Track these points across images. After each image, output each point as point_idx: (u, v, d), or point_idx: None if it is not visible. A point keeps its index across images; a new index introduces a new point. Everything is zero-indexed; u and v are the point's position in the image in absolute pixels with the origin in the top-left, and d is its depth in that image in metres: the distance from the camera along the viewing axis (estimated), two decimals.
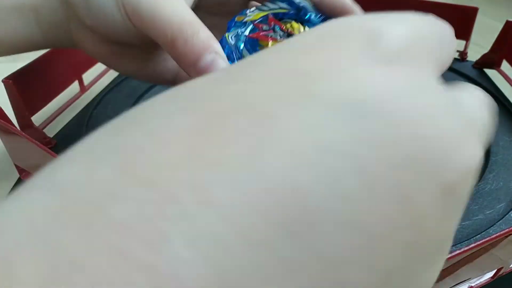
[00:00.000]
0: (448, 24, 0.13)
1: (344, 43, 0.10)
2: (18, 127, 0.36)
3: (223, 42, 0.21)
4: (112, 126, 0.09)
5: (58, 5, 0.26)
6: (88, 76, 0.45)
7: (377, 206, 0.08)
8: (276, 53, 0.10)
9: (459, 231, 0.28)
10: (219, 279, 0.07)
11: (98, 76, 0.47)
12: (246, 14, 0.22)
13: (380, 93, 0.09)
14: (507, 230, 0.21)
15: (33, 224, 0.07)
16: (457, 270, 0.21)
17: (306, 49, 0.10)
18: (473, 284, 0.24)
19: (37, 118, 0.38)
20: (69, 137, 0.38)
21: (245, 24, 0.21)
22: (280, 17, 0.22)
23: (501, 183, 0.33)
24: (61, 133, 0.38)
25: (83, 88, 0.45)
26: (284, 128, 0.08)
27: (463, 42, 0.54)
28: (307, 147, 0.08)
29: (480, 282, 0.24)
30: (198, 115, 0.08)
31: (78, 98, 0.44)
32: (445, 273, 0.21)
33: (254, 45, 0.21)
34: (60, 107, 0.42)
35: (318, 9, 0.22)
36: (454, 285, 0.23)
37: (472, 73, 0.51)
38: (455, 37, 0.13)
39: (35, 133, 0.37)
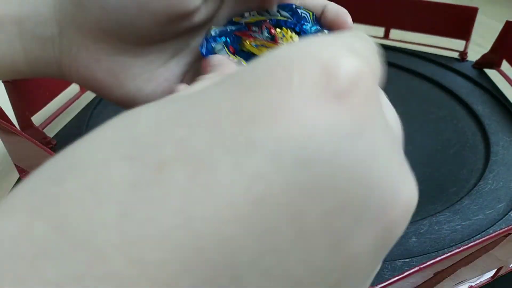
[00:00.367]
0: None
1: (296, 77, 0.09)
2: (18, 127, 0.36)
3: (205, 34, 0.21)
4: (52, 170, 0.09)
5: (51, 15, 0.22)
6: None
7: (308, 256, 0.08)
8: (224, 87, 0.10)
9: (459, 231, 0.28)
10: None
11: None
12: (244, 16, 0.22)
13: (323, 138, 0.09)
14: (505, 229, 0.21)
15: None
16: (456, 270, 0.21)
17: (254, 84, 0.09)
18: (473, 284, 0.24)
19: (37, 118, 0.38)
20: (69, 137, 0.38)
21: (238, 24, 0.22)
22: (280, 25, 0.22)
23: (501, 183, 0.33)
24: (61, 133, 0.38)
25: (83, 88, 0.45)
26: (220, 180, 0.08)
27: (463, 42, 0.54)
28: (241, 200, 0.08)
29: (480, 281, 0.24)
30: (137, 167, 0.08)
31: (78, 98, 0.44)
32: (445, 274, 0.21)
33: (237, 41, 0.21)
34: (60, 107, 0.42)
35: (319, 21, 0.22)
36: (454, 285, 0.23)
37: (472, 73, 0.51)
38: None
39: (35, 133, 0.37)
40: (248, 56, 0.22)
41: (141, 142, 0.09)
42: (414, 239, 0.28)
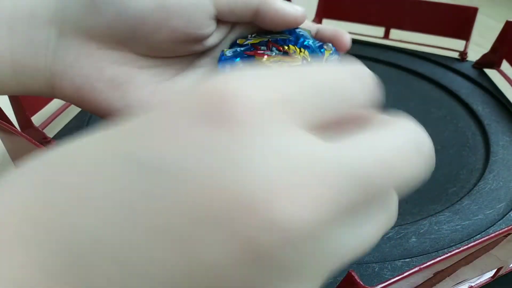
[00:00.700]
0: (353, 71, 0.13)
1: (185, 107, 0.10)
2: (18, 127, 0.36)
3: (221, 55, 0.22)
4: None
5: (49, 16, 0.20)
6: None
7: (160, 255, 0.09)
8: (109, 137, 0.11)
9: (459, 231, 0.28)
10: None
11: None
12: (247, 37, 0.23)
13: (183, 155, 0.09)
14: (506, 229, 0.21)
15: None
16: (456, 270, 0.21)
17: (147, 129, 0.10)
18: (473, 284, 0.24)
19: (37, 118, 0.38)
20: (69, 137, 0.38)
21: (244, 45, 0.23)
22: (280, 43, 0.23)
23: (501, 183, 0.33)
24: (61, 133, 0.38)
25: None
26: (92, 195, 0.10)
27: (463, 42, 0.54)
28: (109, 205, 0.09)
29: (480, 281, 0.24)
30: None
31: None
32: (444, 274, 0.21)
33: (250, 60, 0.22)
34: (60, 107, 0.42)
35: (317, 38, 0.24)
36: (454, 285, 0.23)
37: (472, 73, 0.51)
38: (363, 83, 0.13)
39: (35, 133, 0.37)
40: None
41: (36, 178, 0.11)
42: (414, 239, 0.28)
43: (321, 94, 0.11)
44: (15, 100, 0.35)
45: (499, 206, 0.31)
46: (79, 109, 0.42)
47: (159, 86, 0.22)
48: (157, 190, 0.09)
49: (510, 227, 0.21)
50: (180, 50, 0.22)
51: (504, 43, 0.49)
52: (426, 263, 0.18)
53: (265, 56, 0.22)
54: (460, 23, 0.54)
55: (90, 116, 0.41)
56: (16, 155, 0.32)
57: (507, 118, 0.42)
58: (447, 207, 0.31)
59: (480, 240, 0.20)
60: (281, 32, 0.23)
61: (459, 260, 0.21)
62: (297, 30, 0.23)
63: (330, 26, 0.24)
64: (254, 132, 0.10)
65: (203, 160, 0.09)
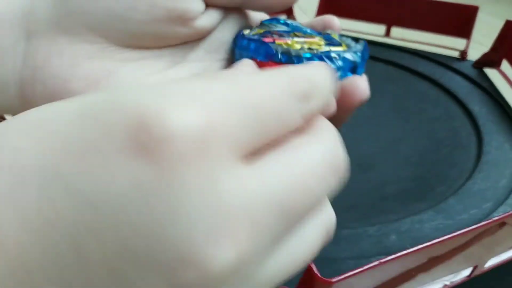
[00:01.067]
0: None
1: (104, 135, 0.10)
2: None
3: (238, 37, 0.20)
4: None
5: (17, 19, 0.19)
6: None
7: (88, 277, 0.10)
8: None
9: (440, 230, 0.28)
10: None
11: None
12: (251, 28, 0.22)
13: (114, 187, 0.10)
14: (477, 225, 0.21)
15: None
16: (430, 268, 0.21)
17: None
18: (447, 283, 0.24)
19: None
20: None
21: (250, 36, 0.21)
22: (280, 34, 0.22)
23: (489, 183, 0.33)
24: None
25: None
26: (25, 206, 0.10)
27: (465, 41, 0.54)
28: (34, 217, 0.10)
29: (456, 280, 0.24)
30: None
31: None
32: (417, 270, 0.21)
33: (265, 48, 0.20)
34: None
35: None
36: (427, 283, 0.23)
37: (472, 72, 0.50)
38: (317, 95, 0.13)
39: None
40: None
41: None
42: (394, 237, 0.28)
43: (255, 119, 0.11)
44: None
45: (485, 206, 0.30)
46: None
47: (147, 80, 0.20)
48: (95, 222, 0.10)
49: (484, 223, 0.21)
50: (166, 36, 0.19)
51: (504, 43, 0.49)
52: (387, 257, 0.18)
53: (289, 41, 0.20)
54: (461, 22, 0.53)
55: None
56: None
57: (503, 119, 0.42)
58: (432, 206, 0.31)
59: (450, 236, 0.20)
60: (277, 25, 0.22)
61: (433, 258, 0.21)
62: (289, 22, 0.22)
63: (317, 18, 0.22)
64: (182, 172, 0.10)
65: (135, 200, 0.09)
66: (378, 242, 0.27)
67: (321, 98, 0.14)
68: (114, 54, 0.19)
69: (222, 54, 0.21)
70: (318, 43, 0.20)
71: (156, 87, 0.11)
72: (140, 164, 0.09)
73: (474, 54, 0.53)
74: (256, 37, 0.20)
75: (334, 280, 0.17)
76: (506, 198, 0.31)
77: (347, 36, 0.22)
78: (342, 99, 0.18)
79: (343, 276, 0.17)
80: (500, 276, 0.26)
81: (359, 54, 0.20)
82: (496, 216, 0.21)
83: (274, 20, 0.22)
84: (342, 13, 0.61)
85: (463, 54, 0.53)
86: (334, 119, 0.18)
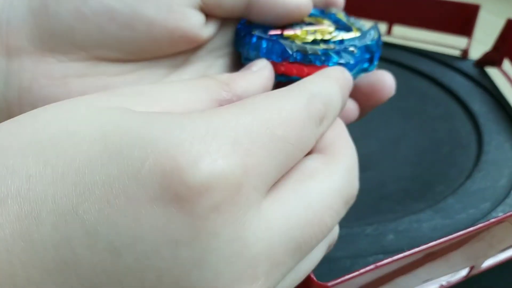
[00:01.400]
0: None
1: (136, 189, 0.09)
2: None
3: (244, 30, 0.19)
4: None
5: None
6: None
7: None
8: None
9: (438, 229, 0.28)
10: None
11: None
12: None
13: (144, 235, 0.09)
14: (475, 227, 0.21)
15: None
16: (426, 263, 0.21)
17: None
18: (444, 283, 0.24)
19: None
20: None
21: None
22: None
23: (489, 183, 0.33)
24: None
25: None
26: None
27: (466, 40, 0.53)
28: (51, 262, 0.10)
29: (452, 280, 0.24)
30: None
31: None
32: (413, 267, 0.21)
33: (281, 38, 0.19)
34: None
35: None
36: (423, 282, 0.23)
37: (473, 71, 0.50)
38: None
39: None
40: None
41: None
42: (391, 236, 0.28)
43: (281, 151, 0.11)
44: None
45: (484, 205, 0.30)
46: None
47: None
48: (118, 268, 0.09)
49: (481, 225, 0.21)
50: (166, 51, 0.17)
51: (506, 42, 0.49)
52: (382, 261, 0.18)
53: (297, 31, 0.19)
54: (462, 20, 0.53)
55: None
56: None
57: (503, 118, 0.41)
58: (430, 206, 0.30)
59: (446, 239, 0.20)
60: None
61: (428, 255, 0.21)
62: None
63: None
64: (214, 221, 0.09)
65: (162, 251, 0.09)
66: (375, 242, 0.27)
67: (333, 117, 0.14)
68: (108, 68, 0.17)
69: (224, 49, 0.20)
70: (328, 31, 0.19)
71: (183, 123, 0.10)
72: (171, 213, 0.09)
73: (476, 53, 0.53)
74: (264, 33, 0.18)
75: (330, 284, 0.17)
76: (505, 197, 0.31)
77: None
78: (370, 95, 0.18)
79: (339, 280, 0.17)
80: (497, 276, 0.26)
81: (374, 42, 0.19)
82: (494, 216, 0.21)
83: None
84: (344, 11, 0.61)
85: (464, 53, 0.53)
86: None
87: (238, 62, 0.20)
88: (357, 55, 0.19)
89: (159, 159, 0.09)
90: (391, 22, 0.58)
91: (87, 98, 0.12)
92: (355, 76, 0.19)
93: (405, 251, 0.26)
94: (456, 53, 0.54)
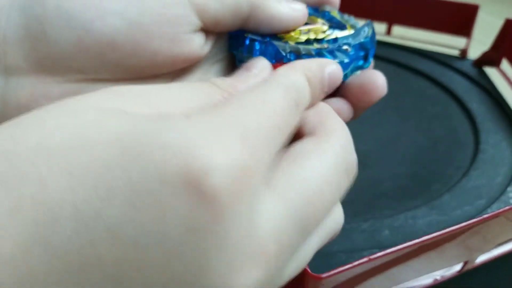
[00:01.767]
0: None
1: (166, 203, 0.10)
2: None
3: (247, 41, 0.19)
4: None
5: None
6: None
7: None
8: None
9: (433, 225, 0.29)
10: None
11: None
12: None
13: (166, 224, 0.10)
14: (469, 222, 0.21)
15: None
16: (420, 256, 0.22)
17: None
18: (438, 277, 0.24)
19: None
20: None
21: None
22: None
23: (485, 180, 0.33)
24: None
25: None
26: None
27: (464, 40, 0.54)
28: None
29: (447, 275, 0.25)
30: None
31: None
32: (407, 258, 0.21)
33: (275, 39, 0.19)
34: None
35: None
36: (419, 278, 0.23)
37: (471, 71, 0.50)
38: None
39: None
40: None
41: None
42: (387, 232, 0.28)
43: (275, 139, 0.12)
44: None
45: (479, 202, 0.31)
46: None
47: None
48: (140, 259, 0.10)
49: (475, 220, 0.21)
50: (167, 70, 0.18)
51: (504, 42, 0.49)
52: (376, 254, 0.18)
53: (291, 31, 0.19)
54: (461, 20, 0.53)
55: None
56: None
57: (501, 117, 0.42)
58: (426, 203, 0.31)
59: (443, 232, 0.20)
60: None
61: (419, 248, 0.21)
62: None
63: None
64: (231, 212, 0.10)
65: (187, 242, 0.10)
66: (371, 237, 0.27)
67: (306, 101, 0.15)
68: (107, 86, 0.16)
69: (220, 55, 0.20)
70: (322, 29, 0.19)
71: (195, 124, 0.11)
72: (194, 207, 0.10)
73: (475, 53, 0.53)
74: (257, 34, 0.18)
75: (324, 275, 0.17)
76: (500, 195, 0.31)
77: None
78: (361, 96, 0.19)
79: (332, 272, 0.17)
80: (491, 272, 0.26)
81: (368, 39, 0.20)
82: (489, 212, 0.22)
83: None
84: (345, 11, 0.61)
85: (463, 52, 0.53)
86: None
87: (233, 64, 0.20)
88: (351, 54, 0.19)
89: (181, 159, 0.10)
90: (390, 22, 0.58)
91: (87, 99, 0.12)
92: (350, 74, 0.19)
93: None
94: (456, 53, 0.54)
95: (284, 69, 0.15)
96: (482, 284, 0.25)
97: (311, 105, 0.16)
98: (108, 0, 0.15)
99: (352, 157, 0.15)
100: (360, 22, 0.21)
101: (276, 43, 0.18)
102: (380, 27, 0.60)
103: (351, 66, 0.19)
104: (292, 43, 0.18)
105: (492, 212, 0.23)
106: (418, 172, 0.36)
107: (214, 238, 0.10)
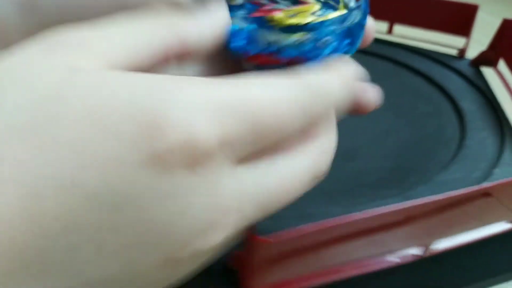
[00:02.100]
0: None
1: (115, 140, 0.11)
2: None
3: (231, 30, 0.18)
4: None
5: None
6: None
7: (103, 267, 0.11)
8: None
9: None
10: None
11: None
12: None
13: (130, 187, 0.11)
14: (425, 201, 0.22)
15: None
16: (374, 235, 0.23)
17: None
18: (398, 260, 0.25)
19: None
20: None
21: (241, 6, 0.19)
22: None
23: (463, 174, 0.34)
24: None
25: None
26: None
27: (464, 40, 0.54)
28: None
29: (405, 258, 0.26)
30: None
31: None
32: (358, 236, 0.22)
33: (262, 23, 0.18)
34: None
35: None
36: (378, 254, 0.24)
37: (468, 71, 0.50)
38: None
39: None
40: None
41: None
42: None
43: (255, 132, 0.13)
44: None
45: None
46: None
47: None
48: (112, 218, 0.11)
49: (434, 198, 0.22)
50: None
51: (501, 42, 0.49)
52: (329, 221, 0.20)
53: (278, 12, 0.18)
54: (461, 20, 0.54)
55: None
56: None
57: (490, 115, 0.42)
58: (401, 193, 0.32)
59: (397, 209, 0.21)
60: None
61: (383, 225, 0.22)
62: None
63: None
64: (194, 179, 0.12)
65: (154, 205, 0.11)
66: None
67: (327, 111, 0.15)
68: None
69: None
70: (311, 10, 0.18)
71: (169, 89, 0.11)
72: (157, 173, 0.11)
73: (475, 53, 0.53)
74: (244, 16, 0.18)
75: (273, 240, 0.19)
76: None
77: None
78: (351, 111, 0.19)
79: (281, 236, 0.18)
80: (450, 259, 0.27)
81: (355, 23, 0.18)
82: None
83: None
84: None
85: (461, 52, 0.53)
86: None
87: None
88: (333, 44, 0.18)
89: (146, 126, 0.11)
90: (392, 21, 0.59)
91: (34, 56, 0.12)
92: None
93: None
94: (454, 52, 0.55)
95: (317, 69, 0.15)
96: (445, 271, 0.26)
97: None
98: None
99: (326, 165, 0.15)
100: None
101: (259, 32, 0.18)
102: (382, 26, 0.60)
103: (335, 55, 0.18)
104: (276, 29, 0.18)
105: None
106: (400, 165, 0.36)
107: (178, 204, 0.11)
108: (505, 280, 0.27)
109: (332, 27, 0.18)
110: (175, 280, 0.13)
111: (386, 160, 0.38)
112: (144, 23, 0.14)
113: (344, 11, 0.18)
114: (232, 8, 0.18)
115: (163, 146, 0.11)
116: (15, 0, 0.16)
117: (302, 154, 0.14)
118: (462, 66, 0.51)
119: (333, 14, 0.18)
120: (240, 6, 0.19)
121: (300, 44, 0.18)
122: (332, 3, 0.19)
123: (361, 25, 0.19)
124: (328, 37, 0.18)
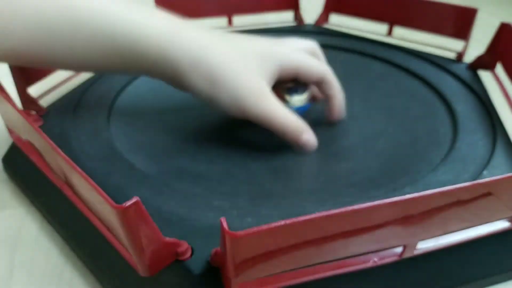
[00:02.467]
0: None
1: None
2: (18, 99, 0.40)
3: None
4: None
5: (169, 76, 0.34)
6: None
7: None
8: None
9: None
10: None
11: None
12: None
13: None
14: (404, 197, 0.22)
15: None
16: (352, 237, 0.23)
17: None
18: (376, 259, 0.25)
19: (37, 91, 0.43)
20: (59, 108, 0.42)
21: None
22: None
23: (451, 176, 0.33)
24: (54, 104, 0.43)
25: None
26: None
27: (461, 43, 0.54)
28: None
29: (385, 258, 0.26)
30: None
31: (78, 74, 0.48)
32: (335, 236, 0.22)
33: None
34: (61, 82, 0.46)
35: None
36: (357, 254, 0.24)
37: (465, 74, 0.50)
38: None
39: (29, 102, 0.41)
40: None
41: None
42: None
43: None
44: (15, 70, 0.40)
45: None
46: (75, 85, 0.46)
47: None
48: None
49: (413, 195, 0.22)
50: None
51: (499, 45, 0.49)
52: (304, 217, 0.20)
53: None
54: (460, 24, 0.54)
55: (84, 91, 0.45)
56: (7, 119, 0.37)
57: (483, 118, 0.42)
58: (386, 193, 0.32)
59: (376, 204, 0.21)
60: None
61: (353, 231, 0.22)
62: None
63: (330, 80, 0.39)
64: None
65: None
66: None
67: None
68: None
69: None
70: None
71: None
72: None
73: (477, 54, 0.53)
74: None
75: (239, 234, 0.19)
76: None
77: None
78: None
79: (248, 231, 0.18)
80: (435, 261, 0.27)
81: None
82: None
83: None
84: (348, 10, 0.62)
85: (459, 55, 0.53)
86: None
87: None
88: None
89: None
90: (392, 23, 0.59)
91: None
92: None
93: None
94: (453, 55, 0.54)
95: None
96: (425, 273, 0.26)
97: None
98: None
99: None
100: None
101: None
102: (382, 28, 0.60)
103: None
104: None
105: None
106: (389, 167, 0.36)
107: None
108: (505, 280, 0.27)
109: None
110: None
111: (376, 161, 0.38)
112: None
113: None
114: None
115: None
116: None
117: None
118: (459, 69, 0.51)
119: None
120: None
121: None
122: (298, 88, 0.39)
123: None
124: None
